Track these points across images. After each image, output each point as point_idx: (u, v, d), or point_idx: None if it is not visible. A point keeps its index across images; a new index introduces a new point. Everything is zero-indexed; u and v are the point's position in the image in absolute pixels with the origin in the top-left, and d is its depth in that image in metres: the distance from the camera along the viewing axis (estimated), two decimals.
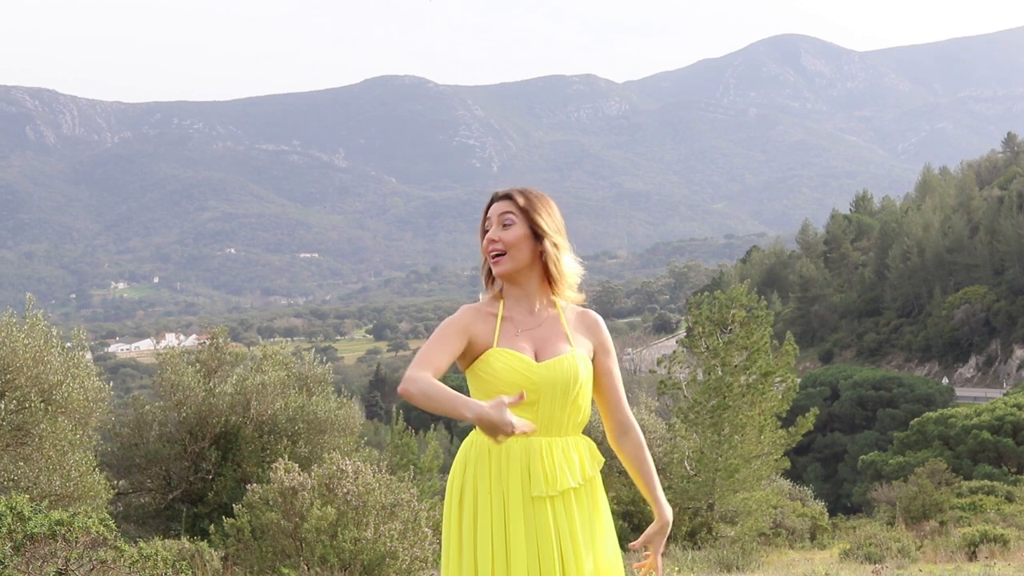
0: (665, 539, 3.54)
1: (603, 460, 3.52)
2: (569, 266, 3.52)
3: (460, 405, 3.18)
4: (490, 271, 3.52)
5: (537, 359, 3.41)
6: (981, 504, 24.74)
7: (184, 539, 9.65)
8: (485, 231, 3.50)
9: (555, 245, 3.47)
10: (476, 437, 3.45)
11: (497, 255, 3.44)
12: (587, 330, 3.52)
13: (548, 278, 3.50)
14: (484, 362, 3.40)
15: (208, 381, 14.26)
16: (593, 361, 3.51)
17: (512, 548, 3.34)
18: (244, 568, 8.82)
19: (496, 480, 3.38)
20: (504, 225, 3.45)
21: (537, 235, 3.46)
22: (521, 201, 3.46)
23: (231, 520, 8.98)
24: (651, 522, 3.58)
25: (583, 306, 3.59)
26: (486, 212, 3.51)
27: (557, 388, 3.37)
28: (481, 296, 3.57)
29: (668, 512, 3.53)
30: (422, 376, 3.25)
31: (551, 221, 3.48)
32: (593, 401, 3.54)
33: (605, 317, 3.77)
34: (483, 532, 3.37)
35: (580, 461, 3.42)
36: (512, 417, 3.15)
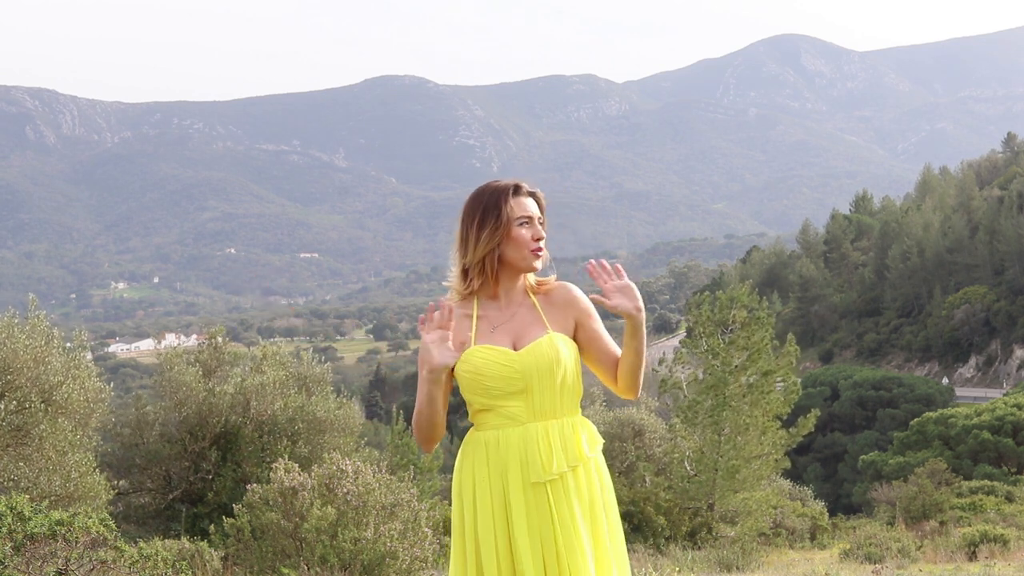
0: (634, 307, 3.61)
1: (602, 440, 3.57)
2: None
3: (420, 384, 3.43)
4: (472, 270, 3.49)
5: (516, 349, 3.44)
6: (981, 504, 24.73)
7: (184, 539, 9.65)
8: (515, 222, 3.48)
9: None
10: (473, 433, 3.50)
11: (539, 252, 3.52)
12: (562, 306, 3.54)
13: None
14: (465, 362, 3.43)
15: (208, 381, 14.26)
16: (579, 329, 3.53)
17: (516, 536, 3.37)
18: (244, 568, 8.81)
19: (496, 471, 3.42)
20: (541, 224, 3.55)
21: None
22: (543, 202, 3.59)
23: (231, 520, 8.97)
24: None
25: (546, 281, 3.58)
26: (507, 200, 3.49)
27: (543, 372, 3.41)
28: (449, 296, 3.55)
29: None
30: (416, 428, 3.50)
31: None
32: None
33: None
34: (484, 524, 3.41)
35: (577, 442, 3.44)
36: (429, 340, 3.40)
